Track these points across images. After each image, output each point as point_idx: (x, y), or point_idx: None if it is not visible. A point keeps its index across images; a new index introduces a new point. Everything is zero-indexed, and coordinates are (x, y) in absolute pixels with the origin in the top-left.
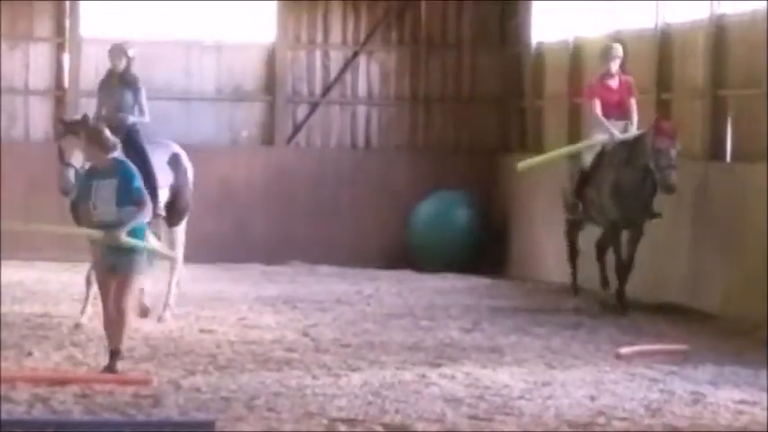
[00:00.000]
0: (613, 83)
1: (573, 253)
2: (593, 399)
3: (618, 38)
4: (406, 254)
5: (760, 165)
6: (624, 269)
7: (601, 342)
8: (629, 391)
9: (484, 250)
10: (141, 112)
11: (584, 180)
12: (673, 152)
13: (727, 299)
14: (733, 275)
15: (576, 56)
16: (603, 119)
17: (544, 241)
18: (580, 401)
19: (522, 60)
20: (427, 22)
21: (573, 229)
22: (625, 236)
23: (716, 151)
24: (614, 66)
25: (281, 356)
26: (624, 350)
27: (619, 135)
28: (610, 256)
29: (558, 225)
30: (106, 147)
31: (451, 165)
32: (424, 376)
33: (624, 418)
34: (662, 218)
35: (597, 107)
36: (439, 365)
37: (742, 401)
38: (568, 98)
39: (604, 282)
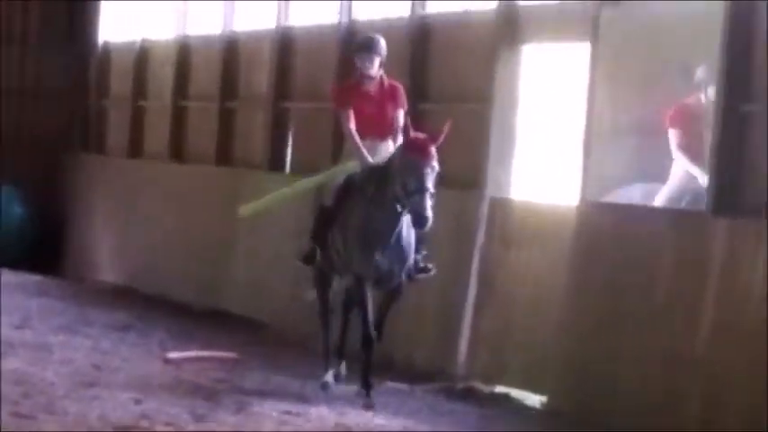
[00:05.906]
0: (372, 89)
1: (322, 311)
2: (138, 402)
3: (185, 42)
4: None
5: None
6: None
7: (151, 346)
8: (174, 397)
9: (38, 247)
10: None
11: (325, 220)
12: (428, 172)
13: (277, 309)
14: (283, 285)
15: (141, 58)
16: (356, 137)
17: (100, 241)
18: (125, 404)
19: (87, 59)
20: None
21: (321, 281)
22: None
23: (275, 163)
24: (373, 66)
25: None
26: (173, 355)
27: (371, 161)
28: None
29: (116, 223)
30: None
31: (9, 159)
32: None
33: (169, 423)
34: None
35: (350, 121)
36: None
37: (287, 412)
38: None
39: (339, 350)
